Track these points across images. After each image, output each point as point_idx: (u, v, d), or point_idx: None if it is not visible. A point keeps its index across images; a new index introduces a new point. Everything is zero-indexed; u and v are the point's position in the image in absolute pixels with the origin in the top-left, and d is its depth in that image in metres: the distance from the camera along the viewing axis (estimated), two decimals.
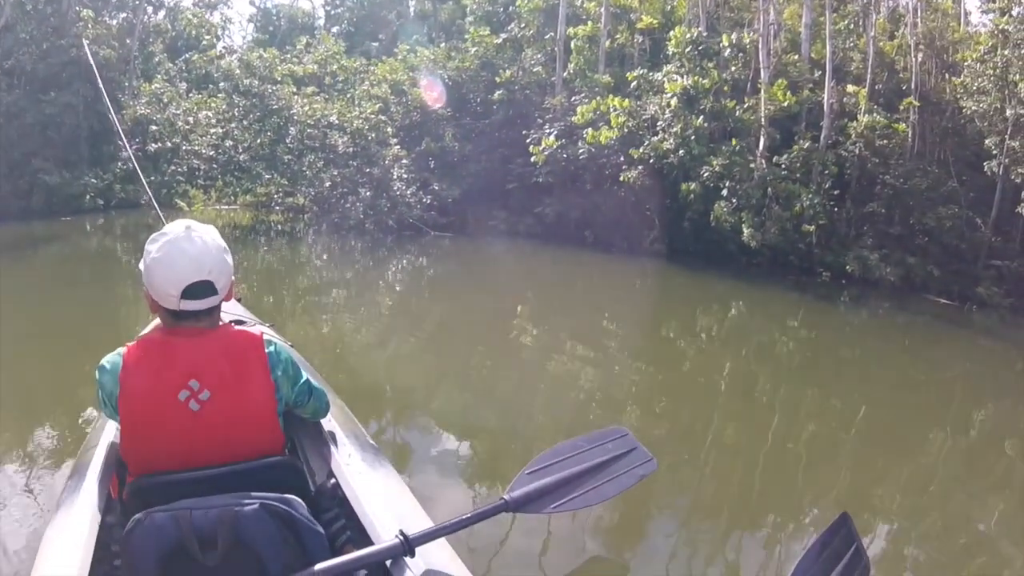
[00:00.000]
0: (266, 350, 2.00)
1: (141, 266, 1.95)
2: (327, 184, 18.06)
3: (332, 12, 35.81)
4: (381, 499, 2.07)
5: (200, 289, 1.90)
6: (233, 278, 2.05)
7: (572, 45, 19.56)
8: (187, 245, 1.90)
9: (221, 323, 2.04)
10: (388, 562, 1.78)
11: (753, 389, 7.76)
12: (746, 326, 11.74)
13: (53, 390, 6.20)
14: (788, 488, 5.08)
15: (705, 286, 14.57)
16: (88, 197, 22.22)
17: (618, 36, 20.08)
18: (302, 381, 2.15)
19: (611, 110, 16.75)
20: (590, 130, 16.89)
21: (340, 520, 2.13)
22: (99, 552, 1.90)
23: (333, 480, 2.22)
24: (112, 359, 1.93)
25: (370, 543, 1.88)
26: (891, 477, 5.53)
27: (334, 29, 31.16)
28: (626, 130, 16.51)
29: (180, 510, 1.68)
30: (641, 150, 16.09)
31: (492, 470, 4.76)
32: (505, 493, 2.08)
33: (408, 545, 1.75)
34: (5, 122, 22.37)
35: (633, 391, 7.23)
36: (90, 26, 25.45)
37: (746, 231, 14.82)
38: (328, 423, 2.48)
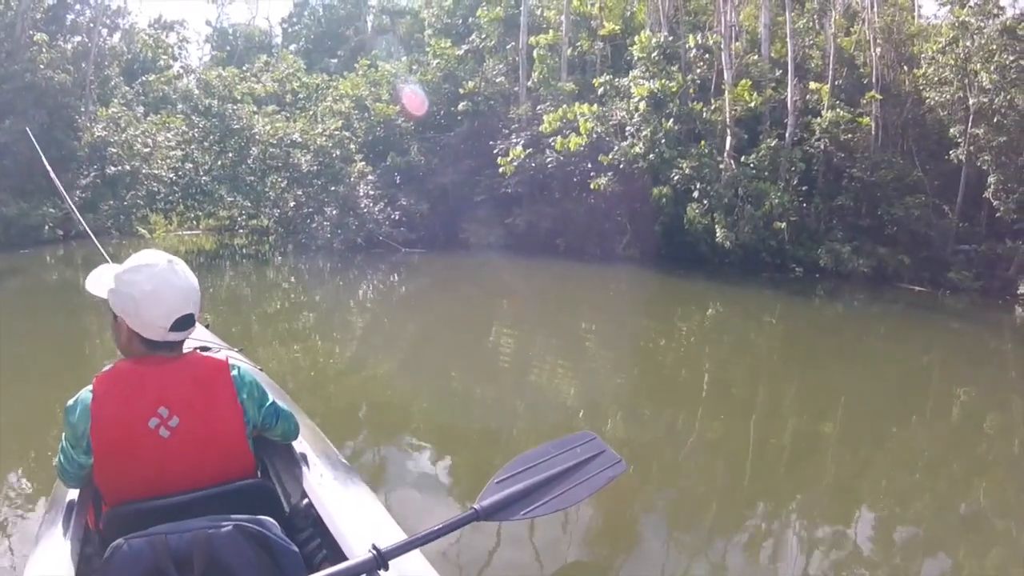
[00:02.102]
0: (231, 374, 2.01)
1: (98, 290, 2.00)
2: (291, 204, 17.61)
3: (289, 30, 35.49)
4: (354, 516, 2.07)
5: (186, 321, 1.94)
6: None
7: (535, 54, 19.32)
8: (174, 278, 1.93)
9: (186, 350, 2.04)
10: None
11: (733, 387, 7.63)
12: (723, 325, 11.52)
13: (19, 427, 5.92)
14: (771, 483, 5.00)
15: (680, 288, 14.36)
16: (47, 228, 21.45)
17: (579, 44, 19.92)
18: (268, 403, 2.13)
19: (579, 117, 16.57)
20: (559, 138, 16.65)
21: (316, 539, 2.12)
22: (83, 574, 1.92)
23: (306, 500, 2.20)
24: (81, 395, 1.91)
25: (345, 560, 1.86)
26: (874, 464, 5.49)
27: (292, 47, 30.77)
28: (595, 136, 16.33)
29: (156, 535, 1.69)
30: (611, 156, 15.88)
31: (467, 481, 4.71)
32: (475, 503, 2.05)
33: (381, 559, 1.74)
34: None
35: (611, 396, 7.04)
36: (44, 50, 24.81)
37: (719, 232, 14.71)
38: (300, 445, 2.46)
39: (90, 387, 1.91)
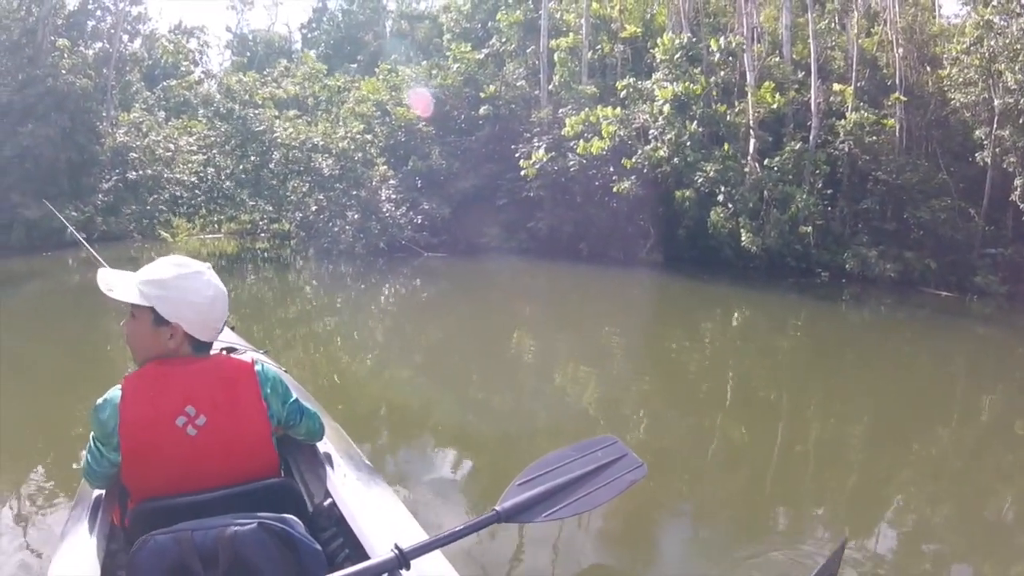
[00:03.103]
0: (256, 372, 2.05)
1: (130, 296, 1.98)
2: (313, 208, 17.52)
3: (309, 36, 35.67)
4: (377, 516, 2.09)
5: (225, 322, 2.09)
6: None
7: (555, 57, 19.17)
8: (218, 283, 2.04)
9: (212, 351, 2.09)
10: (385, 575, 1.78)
11: (757, 392, 7.55)
12: (748, 331, 11.31)
13: (41, 427, 6.09)
14: (794, 490, 4.92)
15: (703, 293, 14.13)
16: (69, 231, 21.61)
17: (600, 47, 19.74)
18: (291, 400, 2.16)
19: (601, 120, 16.39)
20: (581, 141, 16.51)
21: (338, 538, 2.14)
22: (109, 571, 1.95)
23: (330, 500, 2.22)
24: (109, 394, 1.94)
25: (367, 559, 1.88)
26: (899, 471, 5.39)
27: (312, 52, 30.75)
28: (617, 140, 16.17)
29: (182, 532, 1.71)
30: (634, 159, 15.72)
31: (488, 483, 4.69)
32: (497, 504, 2.05)
33: (403, 558, 1.75)
34: None
35: (634, 400, 6.99)
36: (66, 56, 24.98)
37: (745, 236, 14.49)
38: (324, 445, 2.50)
39: (119, 387, 1.94)
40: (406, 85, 20.36)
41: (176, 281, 1.98)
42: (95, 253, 5.09)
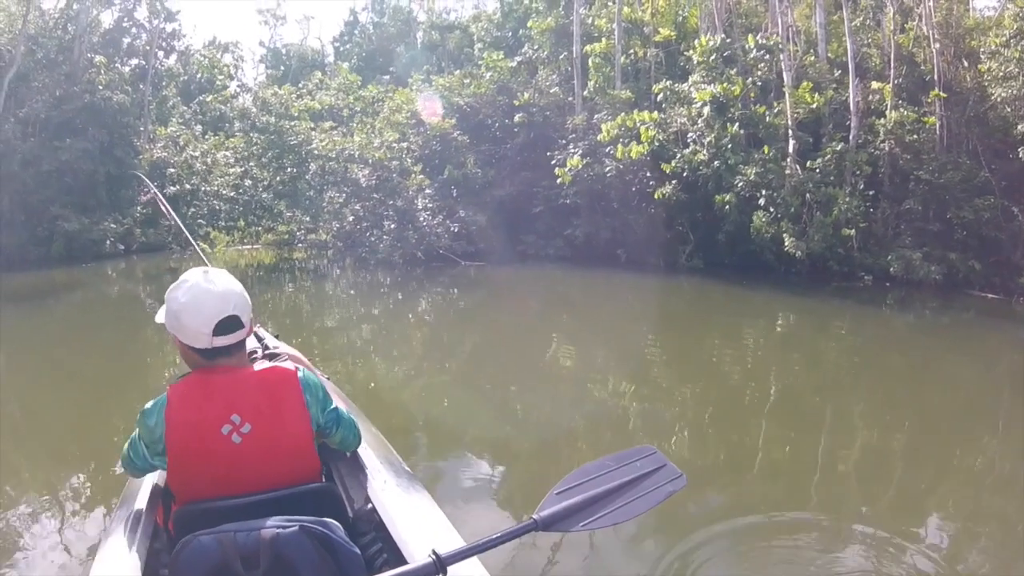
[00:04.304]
0: (299, 378, 2.07)
1: (160, 318, 2.06)
2: (350, 218, 17.47)
3: (341, 48, 35.99)
4: (415, 522, 2.12)
5: (229, 324, 1.99)
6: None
7: (590, 63, 18.99)
8: (209, 286, 2.00)
9: (255, 357, 2.20)
10: None
11: (801, 401, 7.35)
12: (791, 337, 10.95)
13: (84, 431, 6.35)
14: (837, 499, 4.78)
15: (745, 299, 13.73)
16: (108, 242, 21.88)
17: (632, 51, 19.49)
18: (331, 407, 2.19)
19: (638, 124, 16.07)
20: (619, 146, 16.18)
21: (377, 543, 2.18)
22: (150, 569, 2.02)
23: (370, 505, 2.28)
24: (157, 401, 2.01)
25: (405, 564, 1.89)
26: (944, 481, 5.26)
27: (344, 65, 31.00)
28: (656, 144, 15.86)
29: (224, 533, 1.75)
30: (673, 163, 15.39)
31: (524, 492, 4.67)
32: (535, 512, 2.01)
33: (440, 564, 1.74)
34: (21, 170, 22.00)
35: (674, 410, 6.85)
36: (102, 72, 25.36)
37: (788, 240, 14.06)
38: (364, 451, 2.55)
39: (165, 394, 2.00)
40: (439, 95, 20.38)
41: (167, 295, 2.05)
42: (197, 246, 5.27)
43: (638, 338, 10.16)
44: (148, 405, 2.02)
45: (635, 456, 2.35)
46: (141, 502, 2.31)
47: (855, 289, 13.82)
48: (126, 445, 2.18)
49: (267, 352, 2.59)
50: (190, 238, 5.43)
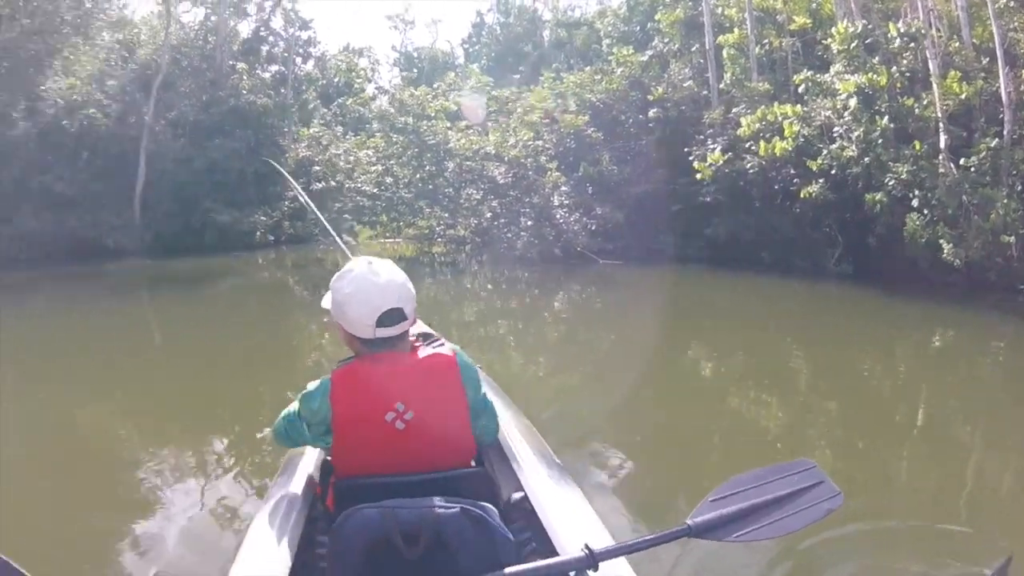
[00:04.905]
0: (458, 365, 2.08)
1: (326, 304, 2.12)
2: (488, 215, 17.62)
3: (470, 50, 36.75)
4: (567, 514, 2.12)
5: (392, 316, 2.00)
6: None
7: (724, 54, 18.26)
8: (374, 277, 2.02)
9: (416, 344, 2.15)
10: (572, 574, 1.77)
11: (956, 422, 6.68)
12: (947, 355, 9.84)
13: (242, 406, 6.91)
14: (996, 524, 4.36)
15: (897, 309, 12.53)
16: (258, 233, 23.40)
17: (766, 41, 18.55)
18: (481, 394, 2.19)
19: (779, 118, 15.14)
20: (762, 142, 15.25)
21: (526, 532, 2.21)
22: (303, 542, 2.10)
23: (521, 494, 2.29)
24: (320, 385, 2.05)
25: (555, 555, 1.89)
26: None
27: (473, 66, 31.51)
28: (801, 139, 14.85)
29: (387, 507, 1.79)
30: (819, 160, 14.33)
31: (669, 496, 4.62)
32: (688, 518, 1.94)
33: (593, 559, 1.72)
34: (175, 167, 23.84)
35: (823, 425, 6.49)
36: (245, 78, 26.93)
37: (946, 247, 12.71)
38: (517, 440, 2.60)
39: (328, 378, 2.05)
40: (571, 92, 20.26)
41: (332, 284, 2.09)
42: (343, 245, 5.46)
43: (783, 346, 9.66)
44: (311, 387, 2.08)
45: (793, 469, 2.26)
46: (302, 473, 2.41)
47: (1016, 304, 12.55)
48: (281, 419, 2.25)
49: (422, 332, 2.57)
50: (330, 229, 5.61)
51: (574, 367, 8.62)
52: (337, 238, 5.45)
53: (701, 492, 2.06)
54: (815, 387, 7.89)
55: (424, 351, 2.12)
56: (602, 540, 1.90)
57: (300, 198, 5.89)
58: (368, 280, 2.02)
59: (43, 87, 23.40)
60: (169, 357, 10.19)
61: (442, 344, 2.24)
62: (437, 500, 1.82)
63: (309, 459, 2.53)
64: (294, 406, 2.17)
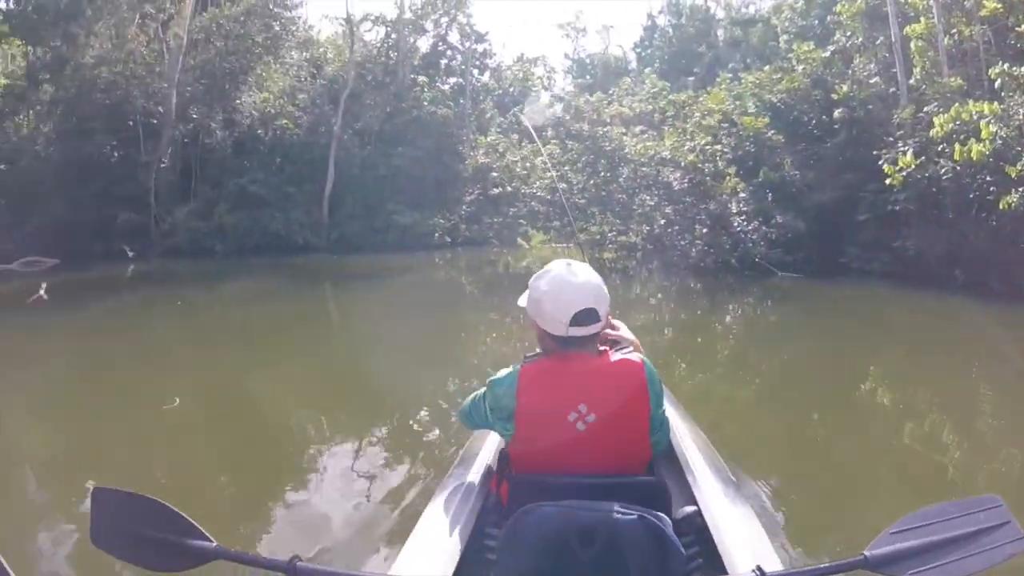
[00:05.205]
0: (645, 373, 2.10)
1: (523, 302, 2.22)
2: (661, 221, 17.37)
3: (642, 54, 36.57)
4: (739, 534, 2.04)
5: (586, 316, 2.05)
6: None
7: (912, 47, 16.59)
8: (571, 278, 2.09)
9: (603, 349, 2.17)
10: None
11: None
12: None
13: (413, 396, 7.15)
14: None
15: None
16: (436, 235, 24.79)
17: (955, 30, 16.53)
18: (662, 409, 2.19)
19: (975, 117, 13.41)
20: (957, 145, 13.57)
21: (695, 547, 2.14)
22: (475, 531, 2.15)
23: (694, 508, 2.23)
24: (508, 376, 2.13)
25: (723, 573, 1.88)
26: None
27: (646, 70, 31.32)
28: (999, 141, 13.07)
29: (567, 508, 1.84)
30: (1019, 166, 12.48)
31: (841, 524, 4.35)
32: (866, 550, 1.83)
33: None
34: (361, 172, 25.81)
35: (1008, 463, 5.87)
36: (425, 90, 28.52)
37: None
38: (691, 451, 2.57)
39: (515, 370, 2.13)
40: (750, 93, 19.67)
41: (531, 282, 2.17)
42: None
43: (970, 380, 8.66)
44: (500, 375, 2.16)
45: (978, 506, 2.10)
46: (479, 465, 2.47)
47: None
48: (468, 401, 2.34)
49: (611, 338, 2.60)
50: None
51: (741, 384, 8.37)
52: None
53: (871, 523, 2.06)
54: (1004, 424, 7.11)
55: (614, 356, 2.15)
56: (773, 564, 1.88)
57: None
58: (565, 280, 2.09)
59: (238, 100, 26.15)
60: (347, 343, 11.26)
61: (631, 351, 2.24)
62: (616, 505, 1.85)
63: (487, 452, 2.59)
64: (482, 390, 2.25)
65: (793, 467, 5.47)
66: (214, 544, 1.88)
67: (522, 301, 2.25)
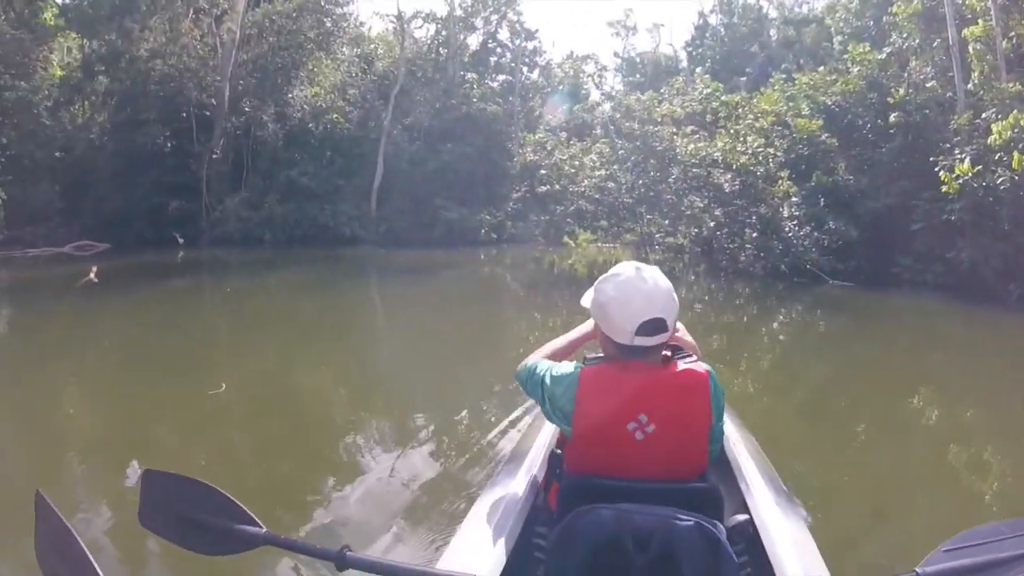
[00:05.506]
0: (710, 386, 2.02)
1: (586, 302, 2.11)
2: (711, 224, 17.16)
3: (694, 53, 36.19)
4: (791, 545, 2.00)
5: (652, 326, 1.93)
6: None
7: (970, 50, 15.99)
8: (640, 284, 1.97)
9: (667, 355, 2.08)
10: None
11: None
12: None
13: (465, 387, 7.40)
14: None
15: None
16: (483, 231, 24.94)
17: (1013, 33, 15.94)
18: (721, 422, 2.13)
19: None
20: (1015, 153, 13.09)
21: (744, 556, 2.06)
22: (524, 531, 2.13)
23: (746, 516, 2.15)
24: (569, 377, 2.04)
25: None
26: None
27: (697, 69, 31.02)
28: None
29: (624, 511, 1.80)
30: None
31: (885, 539, 4.24)
32: (918, 567, 1.78)
33: None
34: (409, 168, 26.05)
35: None
36: (475, 87, 28.67)
37: None
38: (745, 460, 2.54)
39: (576, 368, 2.05)
40: (803, 95, 19.27)
41: (598, 285, 2.05)
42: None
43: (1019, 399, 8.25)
44: (560, 372, 2.08)
45: None
46: (529, 465, 2.44)
47: None
48: (528, 369, 2.22)
49: (672, 342, 2.46)
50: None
51: (787, 392, 8.19)
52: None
53: (916, 539, 2.05)
54: None
55: (680, 365, 2.06)
56: None
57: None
58: (634, 286, 1.97)
59: (290, 94, 26.62)
60: (392, 335, 11.52)
61: (695, 360, 2.17)
62: (671, 511, 1.81)
63: (536, 452, 2.54)
64: (545, 370, 2.14)
65: (837, 478, 5.40)
66: (264, 530, 1.89)
67: (585, 301, 2.15)
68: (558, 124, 19.61)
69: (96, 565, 1.56)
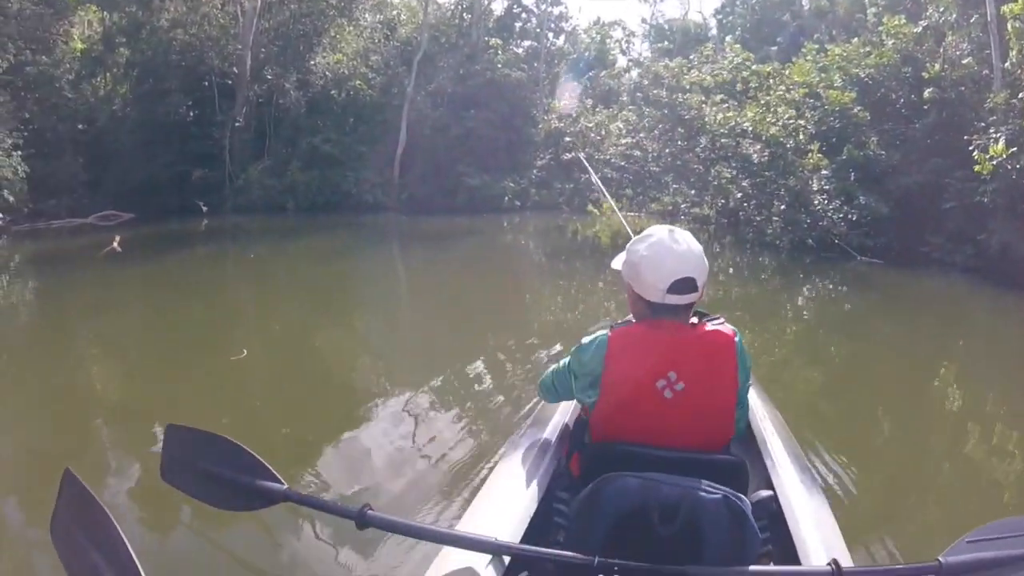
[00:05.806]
0: (736, 347, 2.06)
1: (617, 264, 2.19)
2: (737, 195, 16.90)
3: (724, 21, 35.52)
4: (814, 525, 2.04)
5: (684, 285, 2.01)
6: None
7: (1009, 27, 15.10)
8: (673, 245, 2.05)
9: (693, 321, 2.11)
10: None
11: None
12: None
13: (486, 353, 7.33)
14: None
15: None
16: (506, 198, 24.80)
17: None
18: (747, 385, 2.16)
19: None
20: None
21: (766, 532, 2.09)
22: (545, 496, 2.15)
23: (770, 492, 2.20)
24: (598, 340, 2.08)
25: (793, 562, 1.89)
26: None
27: (727, 38, 30.45)
28: None
29: (650, 480, 1.79)
30: None
31: (913, 528, 4.20)
32: (941, 555, 1.82)
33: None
34: (432, 134, 25.91)
35: None
36: (499, 53, 28.33)
37: None
38: (771, 435, 2.55)
39: (606, 334, 2.08)
40: (836, 66, 18.78)
41: (630, 246, 2.13)
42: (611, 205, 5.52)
43: None
44: (585, 341, 2.11)
45: None
46: (551, 430, 2.46)
47: None
48: (549, 374, 2.34)
49: (699, 311, 2.52)
50: (605, 192, 5.62)
51: (809, 370, 8.06)
52: (612, 204, 5.55)
53: (936, 527, 2.01)
54: None
55: (708, 326, 2.10)
56: (846, 559, 1.86)
57: (588, 169, 6.25)
58: (667, 246, 2.05)
59: (312, 62, 26.50)
60: (414, 301, 11.63)
61: (723, 322, 2.20)
62: (698, 482, 1.80)
63: (558, 419, 2.57)
64: (564, 360, 2.25)
65: (858, 459, 5.26)
66: (285, 487, 1.91)
67: (616, 264, 2.23)
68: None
69: (130, 547, 1.53)
